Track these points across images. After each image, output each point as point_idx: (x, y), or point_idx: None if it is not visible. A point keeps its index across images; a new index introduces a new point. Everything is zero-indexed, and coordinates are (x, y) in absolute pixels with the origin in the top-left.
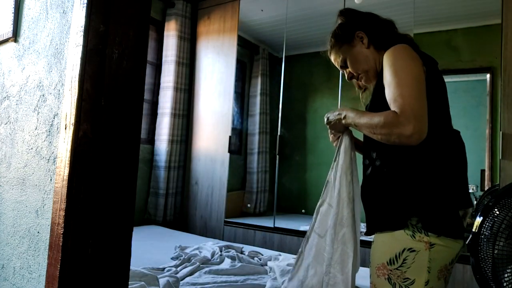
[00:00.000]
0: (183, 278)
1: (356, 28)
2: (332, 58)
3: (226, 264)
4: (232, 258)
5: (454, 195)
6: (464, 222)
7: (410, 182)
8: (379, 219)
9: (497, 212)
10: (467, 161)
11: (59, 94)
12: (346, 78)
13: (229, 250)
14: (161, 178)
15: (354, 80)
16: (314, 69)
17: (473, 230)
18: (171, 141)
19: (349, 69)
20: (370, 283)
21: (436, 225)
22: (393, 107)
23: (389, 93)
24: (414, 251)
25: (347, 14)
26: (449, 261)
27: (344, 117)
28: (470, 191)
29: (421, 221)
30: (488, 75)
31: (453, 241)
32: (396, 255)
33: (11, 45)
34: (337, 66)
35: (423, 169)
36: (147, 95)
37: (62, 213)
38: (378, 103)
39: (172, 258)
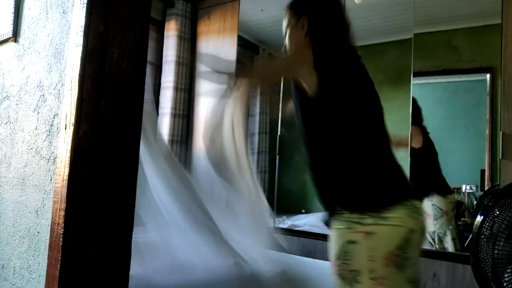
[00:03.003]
0: None
1: (304, 11)
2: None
3: None
4: None
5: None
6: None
7: (326, 173)
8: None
9: (497, 212)
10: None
11: (59, 94)
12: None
13: None
14: None
15: None
16: None
17: (473, 230)
18: (171, 141)
19: (286, 40)
20: None
21: (361, 204)
22: None
23: None
24: (353, 242)
25: None
26: (394, 245)
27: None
28: (470, 191)
29: (347, 209)
30: (488, 75)
31: (393, 214)
32: (341, 249)
33: (11, 45)
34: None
35: (346, 161)
36: (147, 95)
37: (62, 213)
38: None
39: None
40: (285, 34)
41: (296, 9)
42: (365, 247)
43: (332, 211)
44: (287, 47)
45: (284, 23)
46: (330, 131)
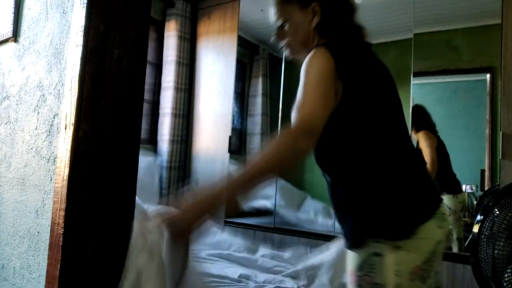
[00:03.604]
0: None
1: None
2: (273, 8)
3: None
4: None
5: (414, 201)
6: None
7: (359, 198)
8: (345, 237)
9: (497, 212)
10: (423, 157)
11: (59, 94)
12: (274, 36)
13: None
14: (163, 178)
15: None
16: None
17: (473, 230)
18: (172, 141)
19: (284, 32)
20: None
21: (397, 232)
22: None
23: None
24: (380, 255)
25: None
26: (422, 260)
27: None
28: (470, 191)
29: (381, 237)
30: (488, 75)
31: (422, 227)
32: (364, 260)
33: (11, 45)
34: (271, 16)
35: (371, 180)
36: (148, 95)
37: (62, 213)
38: None
39: None
40: (282, 22)
41: None
42: (392, 261)
43: (356, 239)
44: (289, 41)
45: (278, 7)
46: (355, 144)
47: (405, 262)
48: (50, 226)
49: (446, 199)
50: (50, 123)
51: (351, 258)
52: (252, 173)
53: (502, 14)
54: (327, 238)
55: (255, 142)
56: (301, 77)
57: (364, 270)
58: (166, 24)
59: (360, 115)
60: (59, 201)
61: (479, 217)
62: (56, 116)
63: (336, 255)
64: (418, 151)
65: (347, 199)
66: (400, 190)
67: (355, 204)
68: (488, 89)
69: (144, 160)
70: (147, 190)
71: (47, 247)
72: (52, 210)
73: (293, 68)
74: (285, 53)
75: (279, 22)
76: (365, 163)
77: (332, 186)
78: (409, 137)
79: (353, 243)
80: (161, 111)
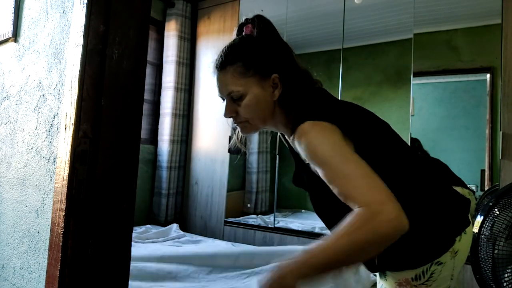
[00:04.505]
0: None
1: (275, 68)
2: (220, 75)
3: None
4: None
5: (452, 215)
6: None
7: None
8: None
9: (497, 212)
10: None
11: (59, 94)
12: (224, 112)
13: None
14: (163, 178)
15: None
16: (314, 69)
17: (473, 230)
18: (172, 141)
19: (238, 107)
20: None
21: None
22: (352, 205)
23: (336, 191)
24: (441, 263)
25: (268, 33)
26: (465, 259)
27: (286, 275)
28: None
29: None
30: (488, 75)
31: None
32: (424, 270)
33: (11, 45)
34: (221, 88)
35: (415, 213)
36: (148, 96)
37: (62, 213)
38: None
39: None
40: (239, 96)
41: (260, 61)
42: (451, 266)
43: (414, 263)
44: (247, 116)
45: (234, 80)
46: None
47: (458, 265)
48: (50, 226)
49: None
50: (50, 123)
51: (394, 276)
52: (330, 253)
53: (502, 14)
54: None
55: (255, 142)
56: (317, 164)
57: (423, 279)
58: (166, 24)
59: (378, 163)
60: (59, 201)
61: (479, 217)
62: (56, 116)
63: None
64: (432, 161)
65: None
66: (437, 209)
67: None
68: (488, 89)
69: None
70: None
71: (47, 247)
72: (52, 210)
73: None
74: (239, 130)
75: (235, 96)
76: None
77: None
78: (417, 156)
79: (408, 266)
80: (161, 111)
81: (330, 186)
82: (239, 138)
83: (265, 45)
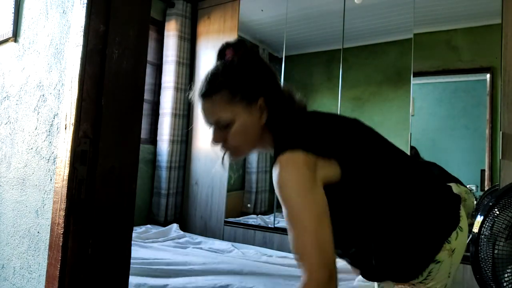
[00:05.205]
0: None
1: (261, 91)
2: (206, 104)
3: None
4: None
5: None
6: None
7: (398, 246)
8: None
9: (497, 212)
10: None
11: (59, 94)
12: (211, 140)
13: None
14: (163, 178)
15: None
16: (314, 69)
17: (473, 230)
18: (172, 141)
19: (227, 135)
20: None
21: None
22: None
23: (289, 233)
24: (438, 262)
25: (249, 57)
26: (462, 256)
27: None
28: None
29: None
30: (488, 75)
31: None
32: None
33: (11, 45)
34: (207, 116)
35: (402, 228)
36: (148, 96)
37: (62, 213)
38: None
39: None
40: (227, 123)
41: (246, 87)
42: (448, 265)
43: (414, 273)
44: (235, 142)
45: (220, 107)
46: (368, 209)
47: (456, 263)
48: (50, 226)
49: None
50: (50, 123)
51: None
52: None
53: (502, 14)
54: None
55: None
56: (281, 200)
57: (421, 278)
58: (166, 24)
59: (362, 176)
60: (59, 201)
61: (479, 217)
62: (56, 116)
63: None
64: (426, 164)
65: (384, 252)
66: (430, 216)
67: (395, 251)
68: (488, 89)
69: None
70: None
71: (47, 247)
72: (52, 210)
73: (293, 68)
74: (227, 157)
75: (223, 124)
76: (389, 215)
77: (357, 254)
78: (413, 162)
79: (409, 277)
80: (161, 111)
81: (286, 224)
82: (225, 163)
83: (249, 70)
